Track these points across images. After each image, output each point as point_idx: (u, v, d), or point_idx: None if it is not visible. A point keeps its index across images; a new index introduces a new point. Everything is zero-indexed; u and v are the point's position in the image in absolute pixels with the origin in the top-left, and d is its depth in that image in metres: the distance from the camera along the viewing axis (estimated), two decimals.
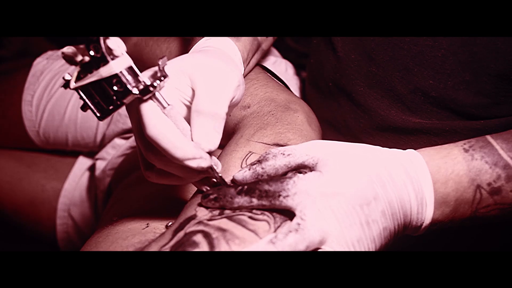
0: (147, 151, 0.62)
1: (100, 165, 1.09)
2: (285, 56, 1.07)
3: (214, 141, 0.61)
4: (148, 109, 0.59)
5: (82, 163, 1.15)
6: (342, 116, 0.84)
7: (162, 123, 0.59)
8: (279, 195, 0.60)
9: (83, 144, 1.12)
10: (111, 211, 0.85)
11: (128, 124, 1.06)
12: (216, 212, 0.61)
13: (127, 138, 1.08)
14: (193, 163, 0.60)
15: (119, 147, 1.08)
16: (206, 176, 0.64)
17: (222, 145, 0.74)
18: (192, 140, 0.60)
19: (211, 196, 0.62)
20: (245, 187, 0.61)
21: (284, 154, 0.64)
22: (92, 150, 1.14)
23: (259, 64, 0.87)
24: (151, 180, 0.65)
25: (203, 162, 0.60)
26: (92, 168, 1.13)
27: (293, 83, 1.00)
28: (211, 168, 0.62)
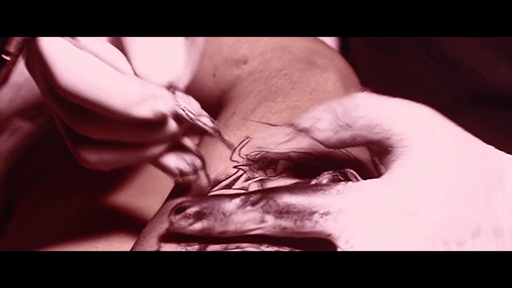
0: (73, 118, 0.55)
1: None
2: None
3: (175, 64, 0.53)
4: (52, 47, 0.52)
5: None
6: (410, 78, 0.80)
7: (78, 63, 0.52)
8: (313, 212, 0.51)
9: None
10: (13, 242, 0.79)
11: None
12: (195, 247, 0.54)
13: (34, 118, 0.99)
14: (143, 110, 0.51)
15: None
16: (180, 146, 0.57)
17: None
18: (134, 73, 0.53)
19: (189, 210, 0.52)
20: (253, 196, 0.52)
21: (343, 126, 0.55)
22: None
23: None
24: (88, 160, 0.56)
25: (159, 103, 0.51)
26: None
27: None
28: (184, 111, 0.53)
